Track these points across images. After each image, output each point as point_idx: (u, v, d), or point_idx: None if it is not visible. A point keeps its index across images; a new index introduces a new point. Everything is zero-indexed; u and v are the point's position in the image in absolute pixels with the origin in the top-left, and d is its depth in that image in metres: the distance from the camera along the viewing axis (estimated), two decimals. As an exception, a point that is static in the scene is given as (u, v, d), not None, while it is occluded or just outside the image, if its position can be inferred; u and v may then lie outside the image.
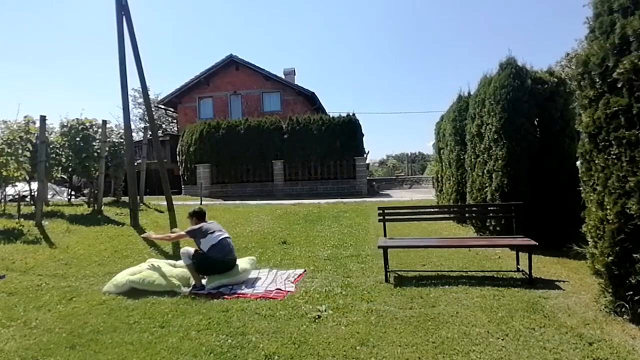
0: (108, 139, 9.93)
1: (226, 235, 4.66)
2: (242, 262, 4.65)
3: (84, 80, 60.21)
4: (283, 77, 21.59)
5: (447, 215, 6.40)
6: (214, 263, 4.39)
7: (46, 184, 10.51)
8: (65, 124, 9.77)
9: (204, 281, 4.44)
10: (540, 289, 3.77)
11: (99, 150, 9.43)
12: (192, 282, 4.42)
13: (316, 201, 11.70)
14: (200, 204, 11.69)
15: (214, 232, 4.56)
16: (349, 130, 15.18)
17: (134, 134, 15.79)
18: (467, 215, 6.36)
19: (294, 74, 23.13)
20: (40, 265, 5.18)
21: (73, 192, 13.79)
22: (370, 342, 2.80)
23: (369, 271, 4.64)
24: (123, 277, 4.23)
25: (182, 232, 4.74)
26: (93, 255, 5.76)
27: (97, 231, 7.18)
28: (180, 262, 4.83)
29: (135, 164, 10.26)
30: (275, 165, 15.31)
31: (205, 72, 20.56)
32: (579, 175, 3.43)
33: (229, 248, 4.55)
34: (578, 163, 3.52)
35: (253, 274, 4.66)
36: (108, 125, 9.91)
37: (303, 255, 5.62)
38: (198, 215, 4.84)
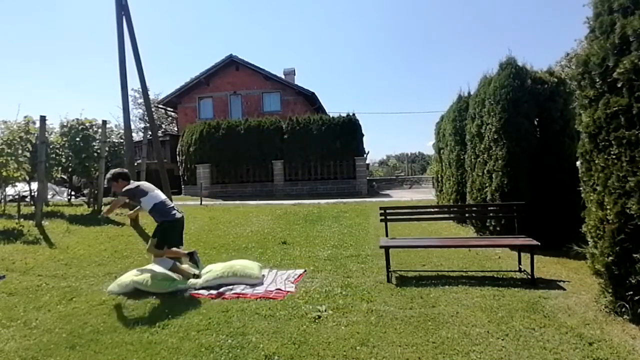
0: (108, 139, 9.95)
1: (164, 196, 4.38)
2: (255, 267, 4.51)
3: (84, 80, 60.44)
4: (283, 77, 21.59)
5: (447, 215, 6.39)
6: (173, 223, 4.17)
7: (46, 184, 10.51)
8: (65, 124, 9.79)
9: (195, 271, 4.32)
10: (540, 289, 3.76)
11: (99, 151, 9.45)
12: (192, 281, 4.26)
13: (316, 201, 11.70)
14: (200, 204, 11.71)
15: (153, 190, 4.29)
16: (348, 131, 15.18)
17: (134, 134, 15.77)
18: (467, 215, 6.36)
19: (294, 74, 23.14)
20: (40, 265, 5.18)
21: (73, 192, 13.79)
22: (370, 342, 2.79)
23: (369, 271, 4.63)
24: (127, 277, 4.23)
25: (118, 198, 4.32)
26: (93, 255, 5.77)
27: (97, 231, 7.18)
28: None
29: (135, 164, 10.26)
30: (275, 165, 15.31)
31: (205, 72, 20.57)
32: (579, 175, 3.43)
33: (170, 204, 4.24)
34: (578, 163, 3.51)
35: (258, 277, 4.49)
36: (108, 126, 9.93)
37: (303, 255, 5.62)
38: (123, 176, 4.30)
